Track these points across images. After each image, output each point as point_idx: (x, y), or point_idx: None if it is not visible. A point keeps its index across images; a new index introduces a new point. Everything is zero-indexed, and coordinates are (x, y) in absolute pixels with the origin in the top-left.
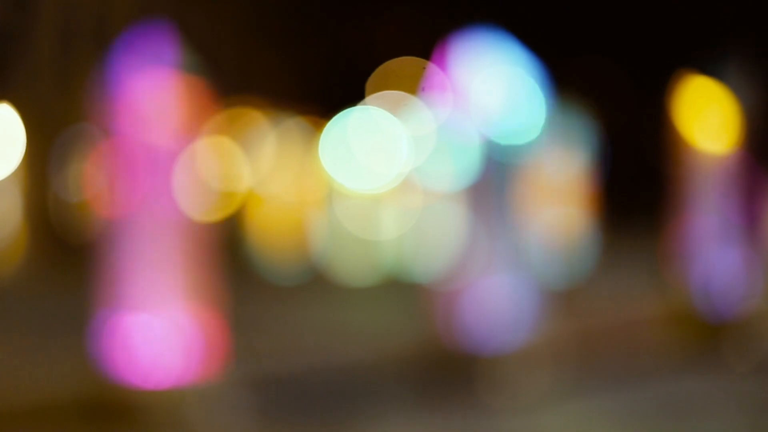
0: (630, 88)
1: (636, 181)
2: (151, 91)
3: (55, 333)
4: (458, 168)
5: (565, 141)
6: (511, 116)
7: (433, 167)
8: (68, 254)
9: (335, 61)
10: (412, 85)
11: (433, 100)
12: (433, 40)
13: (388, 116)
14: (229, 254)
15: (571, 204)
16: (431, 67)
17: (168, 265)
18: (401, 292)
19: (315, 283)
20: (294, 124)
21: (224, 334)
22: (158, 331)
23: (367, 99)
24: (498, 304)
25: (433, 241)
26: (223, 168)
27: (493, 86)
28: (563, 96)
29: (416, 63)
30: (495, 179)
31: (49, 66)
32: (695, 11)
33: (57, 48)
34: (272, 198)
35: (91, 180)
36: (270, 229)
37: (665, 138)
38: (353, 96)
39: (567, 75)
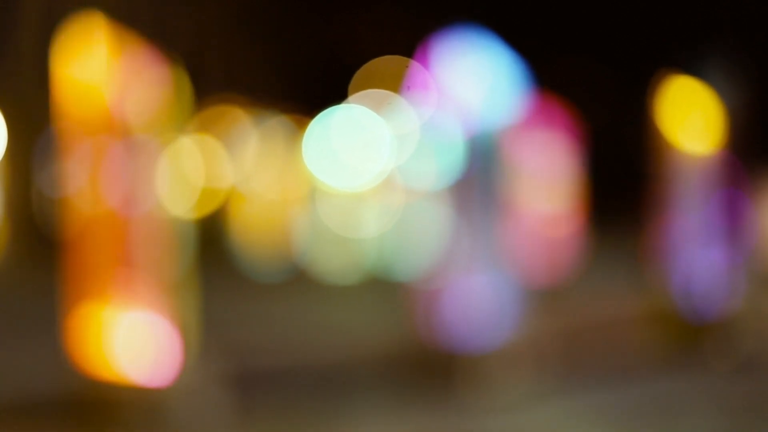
0: (612, 87)
1: (618, 181)
2: (134, 85)
3: (36, 330)
4: (441, 167)
5: (547, 140)
6: (493, 115)
7: (415, 166)
8: (51, 250)
9: (319, 60)
10: (396, 84)
11: (416, 98)
12: (416, 38)
13: (372, 115)
14: (212, 252)
15: (553, 203)
16: (415, 66)
17: (149, 262)
18: (383, 290)
19: (297, 281)
20: (277, 123)
21: (204, 331)
22: (139, 328)
23: (351, 98)
24: (480, 303)
25: (415, 239)
26: (206, 165)
27: (476, 85)
28: (545, 94)
29: (400, 62)
30: (477, 178)
31: (32, 62)
32: (678, 11)
33: (40, 44)
34: (255, 196)
35: (73, 177)
36: (252, 227)
37: (648, 138)
38: (336, 94)
39: (549, 74)
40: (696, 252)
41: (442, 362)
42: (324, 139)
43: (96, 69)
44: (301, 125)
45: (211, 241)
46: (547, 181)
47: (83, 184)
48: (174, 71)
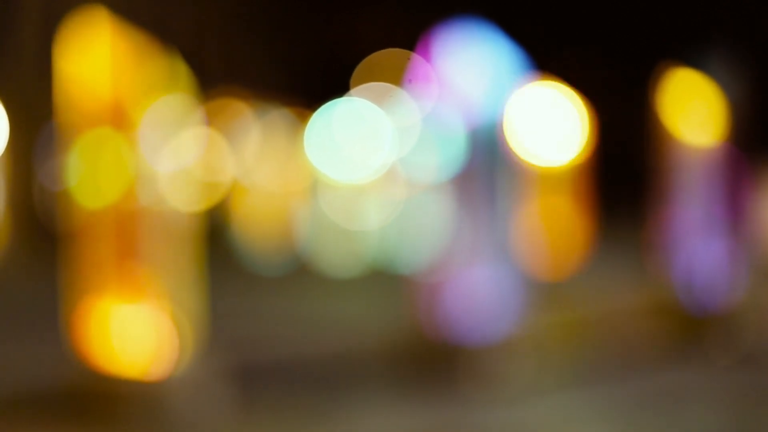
0: (615, 80)
1: (621, 173)
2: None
3: (38, 323)
4: (443, 159)
5: (548, 132)
6: (495, 107)
7: (417, 158)
8: (52, 244)
9: (321, 53)
10: (397, 77)
11: (418, 91)
12: (418, 31)
13: (373, 107)
14: (214, 245)
15: (556, 196)
16: (416, 59)
17: (150, 255)
18: (385, 283)
19: (299, 274)
20: (279, 116)
21: (206, 324)
22: (141, 321)
23: (353, 90)
24: (482, 296)
25: (417, 232)
26: (208, 159)
27: (477, 77)
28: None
29: (401, 54)
30: (479, 170)
31: (34, 56)
32: (680, 3)
33: (42, 38)
34: (257, 189)
35: (74, 170)
36: (254, 220)
37: (650, 130)
38: (338, 87)
39: (552, 67)
40: (698, 244)
41: (445, 355)
42: (326, 132)
43: (98, 62)
44: (303, 118)
45: (213, 235)
46: (548, 173)
47: (85, 177)
48: (176, 64)
